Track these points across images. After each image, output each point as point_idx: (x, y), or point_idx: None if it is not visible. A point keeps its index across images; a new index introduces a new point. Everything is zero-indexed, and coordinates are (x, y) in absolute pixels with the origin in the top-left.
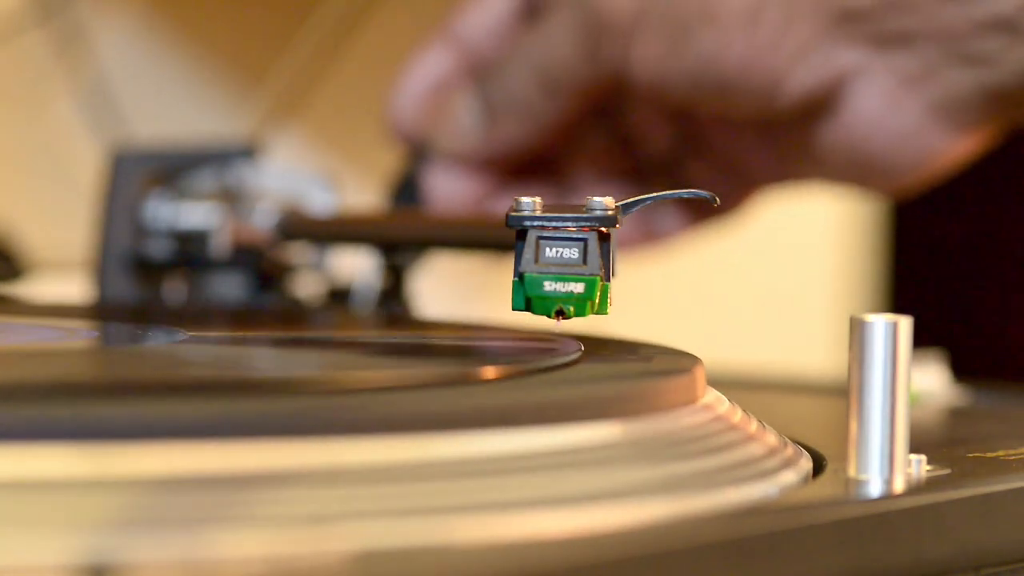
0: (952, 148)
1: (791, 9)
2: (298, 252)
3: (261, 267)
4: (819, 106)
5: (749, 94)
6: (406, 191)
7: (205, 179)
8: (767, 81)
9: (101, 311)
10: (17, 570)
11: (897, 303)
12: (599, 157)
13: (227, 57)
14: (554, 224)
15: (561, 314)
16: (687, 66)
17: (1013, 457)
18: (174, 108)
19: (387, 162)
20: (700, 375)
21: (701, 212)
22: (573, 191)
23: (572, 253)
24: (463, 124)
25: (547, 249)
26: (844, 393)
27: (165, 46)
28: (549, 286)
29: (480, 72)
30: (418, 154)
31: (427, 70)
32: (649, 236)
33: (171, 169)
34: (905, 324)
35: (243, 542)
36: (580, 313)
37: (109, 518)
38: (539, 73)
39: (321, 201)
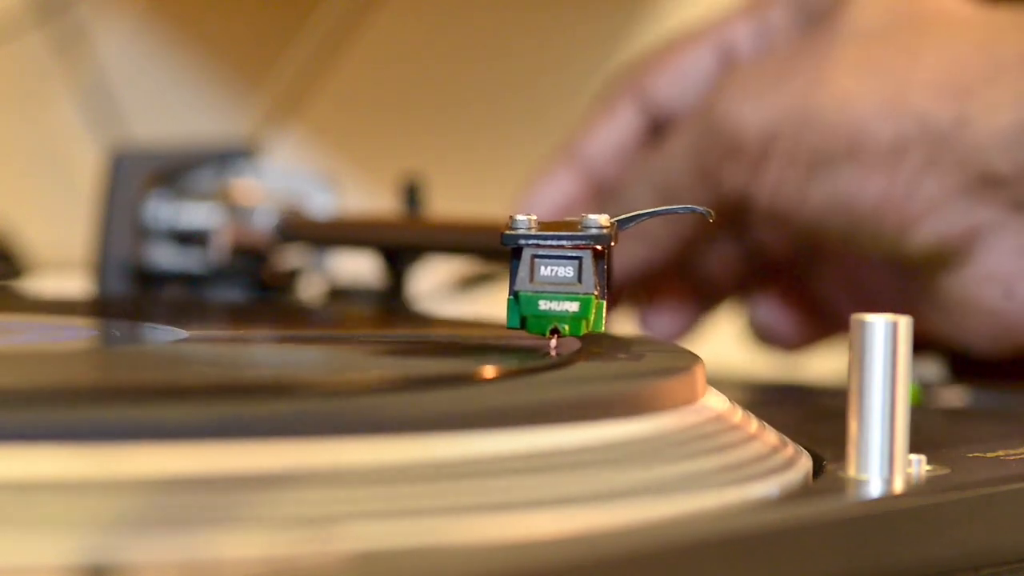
0: None
1: (934, 156)
2: (298, 254)
3: (261, 276)
4: (947, 257)
5: (877, 235)
6: (409, 197)
7: (205, 179)
8: (897, 225)
9: (102, 309)
10: (17, 570)
11: None
12: (726, 259)
13: (227, 57)
14: (549, 242)
15: (556, 333)
16: (817, 199)
17: (1013, 457)
18: (174, 108)
19: (387, 163)
20: (701, 374)
21: (825, 328)
22: (702, 291)
23: (567, 271)
24: None
25: (542, 267)
26: (844, 393)
27: (165, 46)
28: (544, 305)
29: (603, 196)
30: None
31: (551, 192)
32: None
33: (171, 169)
34: (905, 324)
35: (243, 543)
36: (575, 332)
37: (109, 518)
38: (660, 198)
39: (321, 201)
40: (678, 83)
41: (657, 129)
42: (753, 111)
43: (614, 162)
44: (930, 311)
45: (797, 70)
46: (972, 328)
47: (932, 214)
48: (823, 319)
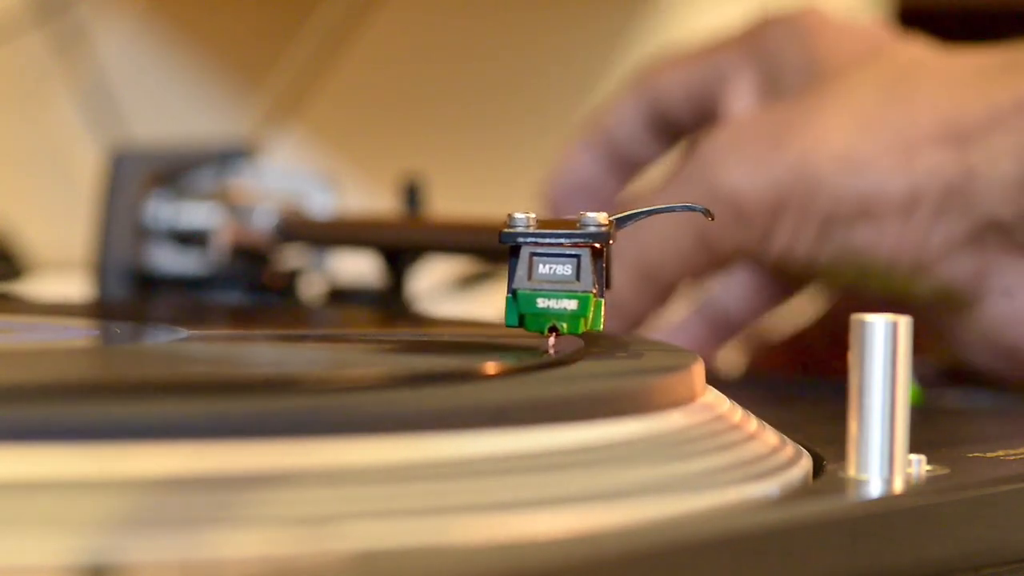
0: None
1: (943, 206)
2: (298, 254)
3: (261, 277)
4: (955, 296)
5: (888, 278)
6: (409, 197)
7: (205, 179)
8: (910, 270)
9: (102, 310)
10: (17, 570)
11: None
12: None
13: (227, 57)
14: (547, 240)
15: (554, 331)
16: (829, 253)
17: (1013, 457)
18: (174, 108)
19: (387, 163)
20: (699, 373)
21: (828, 359)
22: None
23: (565, 269)
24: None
25: (540, 266)
26: (844, 393)
27: (165, 46)
28: (542, 303)
29: (623, 169)
30: None
31: (573, 169)
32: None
33: (171, 169)
34: (905, 324)
35: (243, 542)
36: (573, 330)
37: (109, 518)
38: (641, 272)
39: (321, 201)
40: (678, 92)
41: (661, 123)
42: (755, 179)
43: (633, 136)
44: (944, 343)
45: (792, 131)
46: (988, 360)
47: (943, 260)
48: (824, 350)
